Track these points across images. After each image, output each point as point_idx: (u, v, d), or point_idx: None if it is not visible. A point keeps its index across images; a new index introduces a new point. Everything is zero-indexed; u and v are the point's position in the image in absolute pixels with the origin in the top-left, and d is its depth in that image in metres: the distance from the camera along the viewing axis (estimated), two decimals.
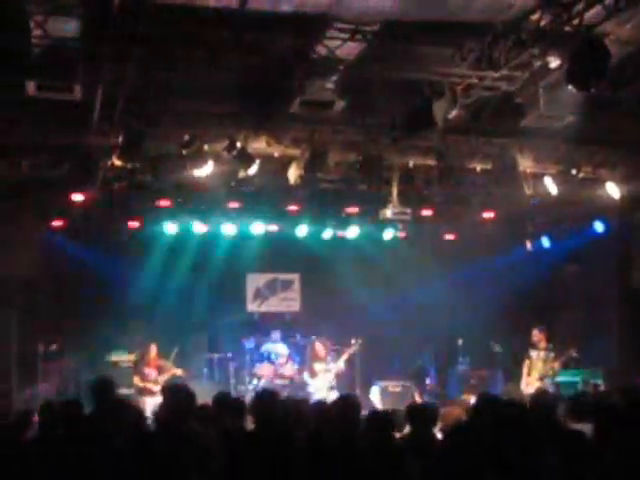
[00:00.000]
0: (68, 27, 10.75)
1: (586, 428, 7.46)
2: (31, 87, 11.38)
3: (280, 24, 11.01)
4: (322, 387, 17.91)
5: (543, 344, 16.77)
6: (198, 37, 11.29)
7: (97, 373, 15.34)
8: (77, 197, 15.92)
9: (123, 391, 15.90)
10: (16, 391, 16.65)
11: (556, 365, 16.55)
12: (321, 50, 11.94)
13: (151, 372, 16.58)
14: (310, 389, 18.03)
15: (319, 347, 18.31)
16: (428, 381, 20.27)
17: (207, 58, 11.77)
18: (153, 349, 16.78)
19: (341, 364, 18.23)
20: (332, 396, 16.81)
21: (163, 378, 16.51)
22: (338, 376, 18.31)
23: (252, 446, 6.89)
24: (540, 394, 11.55)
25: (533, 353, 16.74)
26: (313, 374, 18.15)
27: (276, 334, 19.82)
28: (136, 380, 16.69)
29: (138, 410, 8.54)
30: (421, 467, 6.76)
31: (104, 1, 9.35)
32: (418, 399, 18.35)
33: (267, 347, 19.69)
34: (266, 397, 8.63)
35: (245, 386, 18.95)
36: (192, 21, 10.76)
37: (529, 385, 16.39)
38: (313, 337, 19.34)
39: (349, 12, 10.30)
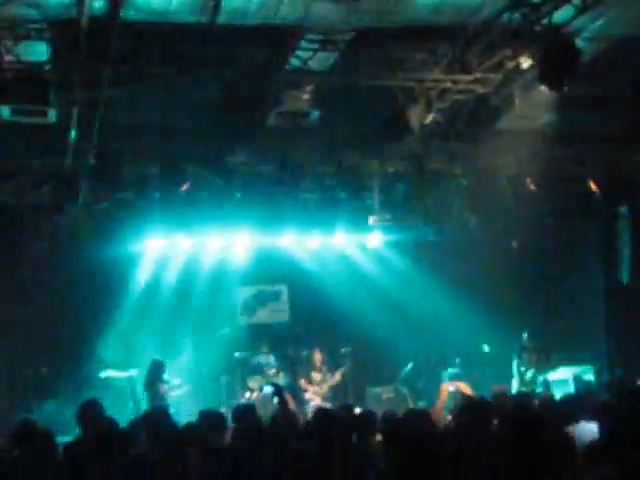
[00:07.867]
0: (38, 51, 10.82)
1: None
2: (5, 111, 11.44)
3: (252, 37, 11.05)
4: (317, 397, 17.90)
5: (532, 344, 16.84)
6: (170, 53, 11.31)
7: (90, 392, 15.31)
8: (59, 219, 15.88)
9: None
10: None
11: (548, 366, 16.65)
12: (294, 62, 12.00)
13: None
14: (307, 396, 18.04)
15: (317, 357, 18.35)
16: (421, 385, 20.21)
17: (180, 73, 11.80)
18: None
19: (337, 377, 18.22)
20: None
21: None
22: (332, 388, 18.28)
23: None
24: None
25: (524, 354, 16.81)
26: (311, 382, 18.15)
27: (265, 346, 19.72)
28: None
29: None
30: None
31: (72, 23, 9.33)
32: (411, 404, 18.32)
33: (258, 359, 19.58)
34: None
35: (237, 400, 18.82)
36: (163, 37, 10.80)
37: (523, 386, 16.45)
38: (303, 348, 19.34)
39: (318, 24, 10.32)
